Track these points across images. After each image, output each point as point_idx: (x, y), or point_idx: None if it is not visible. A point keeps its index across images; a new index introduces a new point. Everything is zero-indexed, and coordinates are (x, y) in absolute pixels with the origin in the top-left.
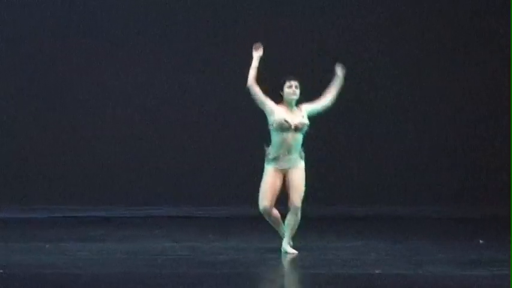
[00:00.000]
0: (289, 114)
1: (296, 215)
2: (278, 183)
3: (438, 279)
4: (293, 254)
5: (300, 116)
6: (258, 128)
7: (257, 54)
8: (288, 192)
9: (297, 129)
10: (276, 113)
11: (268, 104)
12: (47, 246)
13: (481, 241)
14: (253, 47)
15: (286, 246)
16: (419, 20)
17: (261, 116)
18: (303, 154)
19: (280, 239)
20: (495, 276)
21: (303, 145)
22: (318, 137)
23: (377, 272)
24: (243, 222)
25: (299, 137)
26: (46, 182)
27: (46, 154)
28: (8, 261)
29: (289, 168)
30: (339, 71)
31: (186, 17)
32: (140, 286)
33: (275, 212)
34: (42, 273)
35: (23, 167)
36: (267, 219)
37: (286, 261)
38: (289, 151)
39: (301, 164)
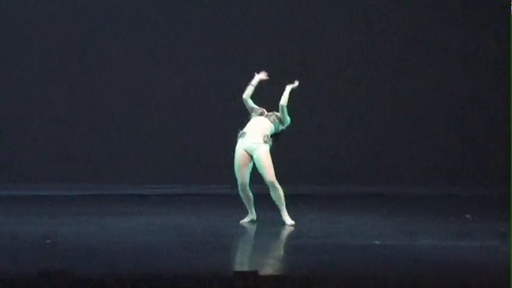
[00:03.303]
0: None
1: (274, 188)
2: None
3: (432, 250)
4: (292, 224)
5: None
6: None
7: (260, 76)
8: (260, 172)
9: (262, 114)
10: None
11: (255, 107)
12: (90, 222)
13: (467, 216)
14: (259, 72)
15: (285, 218)
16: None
17: None
18: (268, 141)
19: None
20: (483, 247)
21: (275, 136)
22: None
23: (376, 243)
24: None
25: (264, 123)
26: (83, 161)
27: (82, 136)
28: (56, 233)
29: (252, 150)
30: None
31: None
32: (177, 253)
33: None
34: (88, 243)
35: (61, 147)
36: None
37: (288, 231)
38: (252, 132)
39: (265, 147)
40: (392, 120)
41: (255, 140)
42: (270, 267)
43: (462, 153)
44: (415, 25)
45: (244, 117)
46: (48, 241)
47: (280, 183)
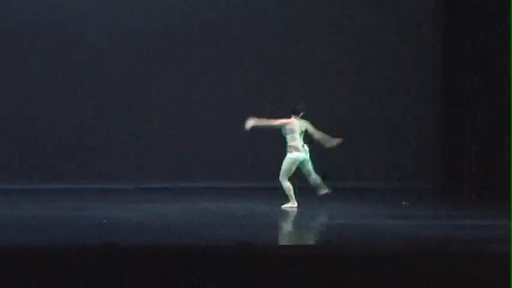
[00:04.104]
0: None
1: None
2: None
3: (378, 228)
4: (285, 208)
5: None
6: None
7: (250, 124)
8: None
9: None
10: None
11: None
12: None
13: (404, 203)
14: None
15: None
16: None
17: None
18: (287, 149)
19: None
20: (416, 226)
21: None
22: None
23: (340, 222)
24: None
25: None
26: (121, 159)
27: (112, 134)
28: (107, 215)
29: None
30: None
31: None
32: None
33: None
34: (128, 223)
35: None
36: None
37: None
38: None
39: (287, 155)
40: (345, 122)
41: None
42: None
43: (399, 151)
44: (351, 26)
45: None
46: (104, 221)
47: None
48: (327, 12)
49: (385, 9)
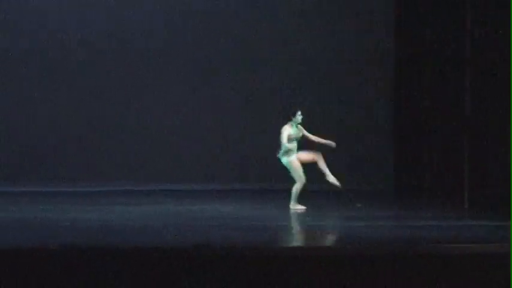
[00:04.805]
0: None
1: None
2: None
3: (331, 228)
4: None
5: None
6: None
7: None
8: None
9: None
10: None
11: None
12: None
13: (358, 205)
14: None
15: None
16: None
17: None
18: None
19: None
20: (367, 226)
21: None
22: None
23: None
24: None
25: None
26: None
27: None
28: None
29: None
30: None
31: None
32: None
33: None
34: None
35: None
36: None
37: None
38: None
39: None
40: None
41: None
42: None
43: (352, 153)
44: (301, 28)
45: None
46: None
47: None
48: (280, 15)
49: (341, 15)
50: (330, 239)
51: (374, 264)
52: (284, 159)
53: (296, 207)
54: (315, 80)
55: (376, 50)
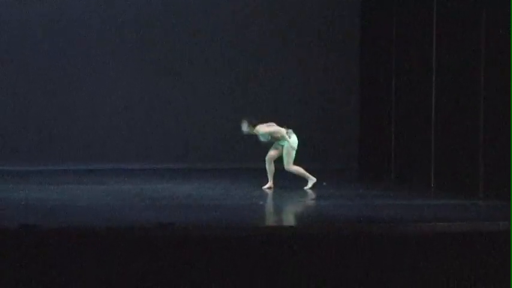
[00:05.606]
0: None
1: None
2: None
3: (305, 207)
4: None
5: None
6: None
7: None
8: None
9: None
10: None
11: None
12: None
13: (324, 183)
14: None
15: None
16: None
17: None
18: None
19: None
20: (334, 205)
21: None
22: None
23: (261, 203)
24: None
25: None
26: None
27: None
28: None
29: None
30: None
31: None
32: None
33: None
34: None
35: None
36: None
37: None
38: None
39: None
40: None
41: None
42: None
43: (318, 133)
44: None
45: None
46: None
47: None
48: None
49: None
50: (295, 218)
51: (338, 243)
52: (285, 143)
53: (311, 182)
54: (282, 62)
55: (341, 29)
